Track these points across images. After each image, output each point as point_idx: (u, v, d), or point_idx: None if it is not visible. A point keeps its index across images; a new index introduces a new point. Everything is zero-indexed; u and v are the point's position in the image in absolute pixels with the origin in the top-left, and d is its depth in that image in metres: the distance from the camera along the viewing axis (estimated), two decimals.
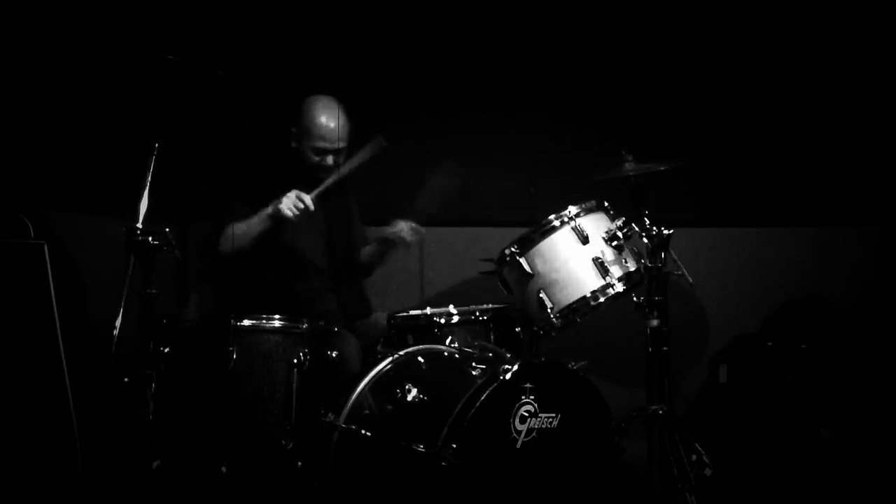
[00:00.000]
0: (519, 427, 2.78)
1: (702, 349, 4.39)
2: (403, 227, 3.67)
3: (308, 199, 3.40)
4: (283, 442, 3.00)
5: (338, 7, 4.30)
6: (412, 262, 4.37)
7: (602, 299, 3.22)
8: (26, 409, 3.16)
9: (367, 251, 3.88)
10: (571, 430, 2.87)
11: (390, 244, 3.76)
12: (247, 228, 3.48)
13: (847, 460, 3.75)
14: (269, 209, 3.41)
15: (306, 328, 3.13)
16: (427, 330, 3.27)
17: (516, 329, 3.36)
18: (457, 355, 3.16)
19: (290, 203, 3.37)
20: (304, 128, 3.64)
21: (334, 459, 2.96)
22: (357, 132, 3.69)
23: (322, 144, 3.62)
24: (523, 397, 2.80)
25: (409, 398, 2.89)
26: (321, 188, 3.51)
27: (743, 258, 4.49)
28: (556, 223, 3.27)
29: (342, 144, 3.65)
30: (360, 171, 3.75)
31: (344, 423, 2.98)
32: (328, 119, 3.62)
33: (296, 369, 3.06)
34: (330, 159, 3.64)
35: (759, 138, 4.42)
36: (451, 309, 3.30)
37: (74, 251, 3.55)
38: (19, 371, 3.16)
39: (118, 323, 2.72)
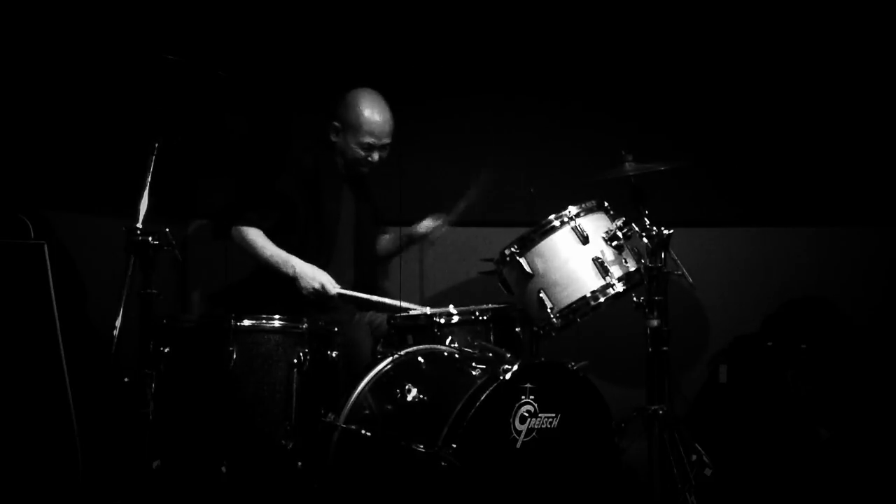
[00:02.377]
0: (519, 427, 2.78)
1: (702, 349, 4.39)
2: (430, 224, 3.80)
3: (333, 289, 3.45)
4: (283, 442, 3.01)
5: (337, 8, 4.30)
6: (412, 263, 4.37)
7: (602, 299, 3.22)
8: (26, 409, 3.15)
9: (386, 245, 3.94)
10: (571, 430, 2.87)
11: (415, 240, 3.87)
12: (261, 250, 3.52)
13: (847, 460, 3.75)
14: (291, 271, 3.47)
15: (306, 328, 3.13)
16: (427, 330, 3.27)
17: (516, 329, 3.36)
18: (457, 355, 3.16)
19: (313, 284, 3.44)
20: (349, 123, 3.60)
21: (334, 459, 2.96)
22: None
23: (370, 140, 3.59)
24: (523, 397, 2.80)
25: (409, 398, 2.89)
26: (355, 294, 3.53)
27: (743, 258, 4.49)
28: (556, 223, 3.27)
29: (388, 140, 3.63)
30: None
31: (344, 423, 2.98)
32: (376, 114, 3.59)
33: (296, 369, 3.07)
34: (376, 155, 3.62)
35: (759, 138, 4.42)
36: (451, 309, 3.30)
37: (74, 251, 3.55)
38: (19, 371, 3.16)
39: (118, 323, 2.72)
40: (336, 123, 3.63)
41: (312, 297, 3.44)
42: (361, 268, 3.79)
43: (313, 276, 3.46)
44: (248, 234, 3.54)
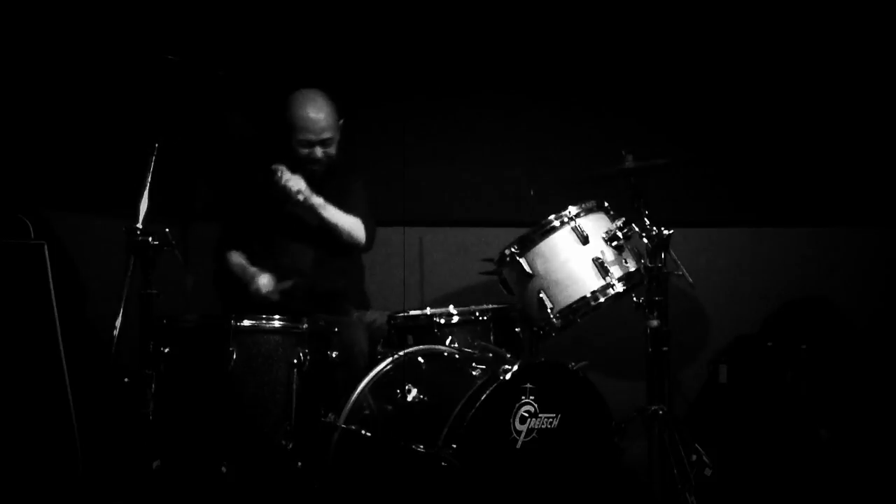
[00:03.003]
0: (519, 427, 2.78)
1: (702, 349, 4.39)
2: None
3: (270, 289, 3.50)
4: (283, 442, 3.00)
5: (337, 6, 4.30)
6: (413, 262, 4.37)
7: (602, 299, 3.22)
8: (26, 409, 3.16)
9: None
10: (571, 431, 2.87)
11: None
12: (233, 268, 3.68)
13: (847, 460, 3.75)
14: (248, 279, 3.57)
15: (306, 328, 3.13)
16: (427, 330, 3.27)
17: (516, 329, 3.36)
18: (457, 355, 3.16)
19: (253, 287, 3.52)
20: (288, 123, 3.63)
21: (334, 460, 2.96)
22: (346, 123, 3.69)
23: (307, 136, 3.61)
24: (523, 397, 2.80)
25: (410, 398, 2.89)
26: (285, 285, 3.54)
27: (743, 258, 4.49)
28: (556, 223, 3.27)
29: (327, 135, 3.63)
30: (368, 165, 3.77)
31: (344, 424, 2.98)
32: (310, 110, 3.60)
33: (296, 369, 3.06)
34: (318, 151, 3.63)
35: (760, 138, 4.42)
36: (451, 309, 3.30)
37: (74, 251, 3.55)
38: (19, 371, 3.16)
39: (118, 323, 2.72)
40: (283, 125, 3.66)
41: (255, 300, 3.50)
42: (324, 270, 3.72)
43: (253, 278, 3.54)
44: (228, 257, 3.70)
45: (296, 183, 3.53)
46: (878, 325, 4.23)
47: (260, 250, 3.70)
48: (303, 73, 4.25)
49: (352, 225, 3.66)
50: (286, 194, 3.53)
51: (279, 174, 3.54)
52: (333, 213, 3.60)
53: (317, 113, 3.62)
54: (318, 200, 3.57)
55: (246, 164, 3.90)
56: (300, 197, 3.53)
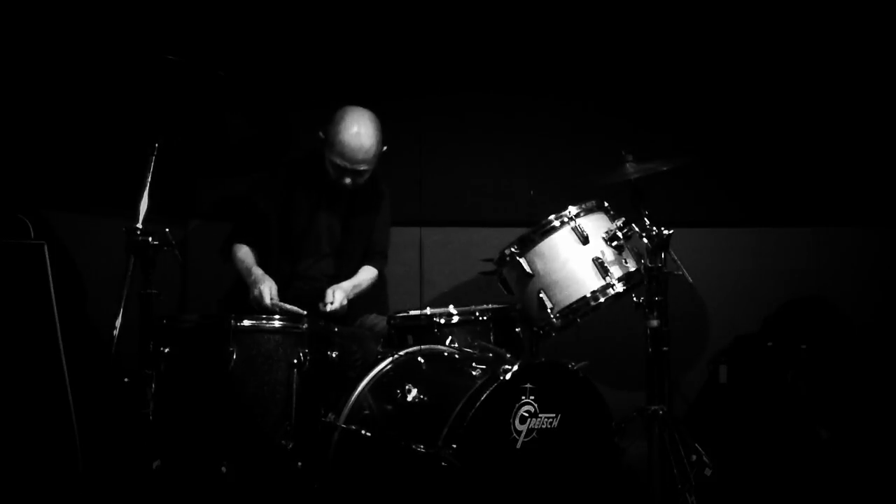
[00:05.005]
0: (519, 427, 2.78)
1: (702, 349, 4.39)
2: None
3: (267, 300, 3.37)
4: (283, 442, 3.00)
5: (336, 5, 4.30)
6: (412, 262, 4.37)
7: (602, 299, 3.22)
8: (26, 409, 3.15)
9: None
10: (571, 431, 2.87)
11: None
12: (237, 263, 3.62)
13: (847, 460, 3.75)
14: (250, 279, 3.49)
15: (306, 328, 3.13)
16: (427, 330, 3.27)
17: (516, 329, 3.36)
18: (457, 355, 3.16)
19: (253, 291, 3.43)
20: (329, 139, 3.52)
21: (334, 459, 2.96)
22: (383, 152, 3.59)
23: (341, 163, 3.49)
24: (523, 397, 2.80)
25: (409, 398, 2.89)
26: (284, 307, 3.40)
27: (743, 258, 4.49)
28: (556, 223, 3.28)
29: (363, 167, 3.52)
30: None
31: (344, 423, 2.98)
32: (354, 140, 3.47)
33: (296, 369, 3.06)
34: (347, 180, 3.53)
35: (760, 138, 4.42)
36: (451, 309, 3.30)
37: (74, 251, 3.55)
38: (19, 371, 3.16)
39: (118, 323, 2.72)
40: (321, 134, 3.57)
41: (254, 305, 3.43)
42: (343, 279, 3.69)
43: (257, 283, 3.44)
44: (235, 250, 3.64)
45: (339, 302, 3.47)
46: (877, 325, 4.23)
47: (277, 253, 3.64)
48: (303, 73, 4.25)
49: (371, 280, 3.78)
50: (325, 311, 3.44)
51: (329, 303, 3.44)
52: (360, 288, 3.67)
53: (361, 145, 3.47)
54: (348, 301, 3.52)
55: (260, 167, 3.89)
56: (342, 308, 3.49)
